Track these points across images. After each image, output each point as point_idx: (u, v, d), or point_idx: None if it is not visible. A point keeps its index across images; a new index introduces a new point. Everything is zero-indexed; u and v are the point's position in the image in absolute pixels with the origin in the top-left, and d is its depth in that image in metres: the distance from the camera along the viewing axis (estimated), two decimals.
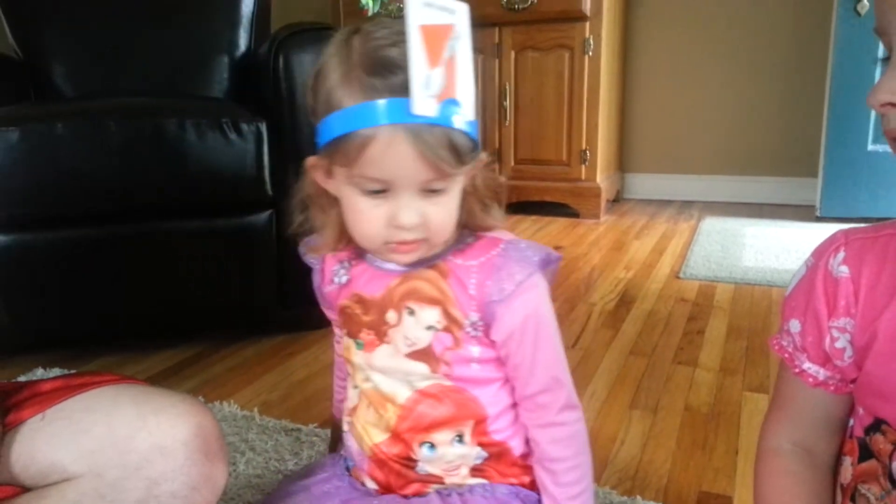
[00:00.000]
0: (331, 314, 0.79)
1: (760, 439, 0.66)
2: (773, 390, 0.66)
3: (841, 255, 0.57)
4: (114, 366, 1.44)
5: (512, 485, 0.70)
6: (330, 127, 0.59)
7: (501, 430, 0.70)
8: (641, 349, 1.49)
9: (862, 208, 2.53)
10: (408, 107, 0.55)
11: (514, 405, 0.70)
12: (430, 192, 0.60)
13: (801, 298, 0.59)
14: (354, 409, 0.73)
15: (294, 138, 1.43)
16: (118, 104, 1.44)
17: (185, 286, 1.45)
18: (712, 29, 2.96)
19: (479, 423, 0.69)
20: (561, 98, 2.72)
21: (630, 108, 3.17)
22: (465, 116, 0.58)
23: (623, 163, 3.23)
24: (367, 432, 0.71)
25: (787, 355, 0.61)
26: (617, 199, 3.16)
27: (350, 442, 0.75)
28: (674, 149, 3.15)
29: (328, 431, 1.12)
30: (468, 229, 0.69)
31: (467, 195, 0.67)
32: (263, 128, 1.39)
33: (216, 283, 1.46)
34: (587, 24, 2.63)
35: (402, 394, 0.69)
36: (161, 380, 1.37)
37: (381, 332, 0.69)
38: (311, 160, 0.66)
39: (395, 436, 0.69)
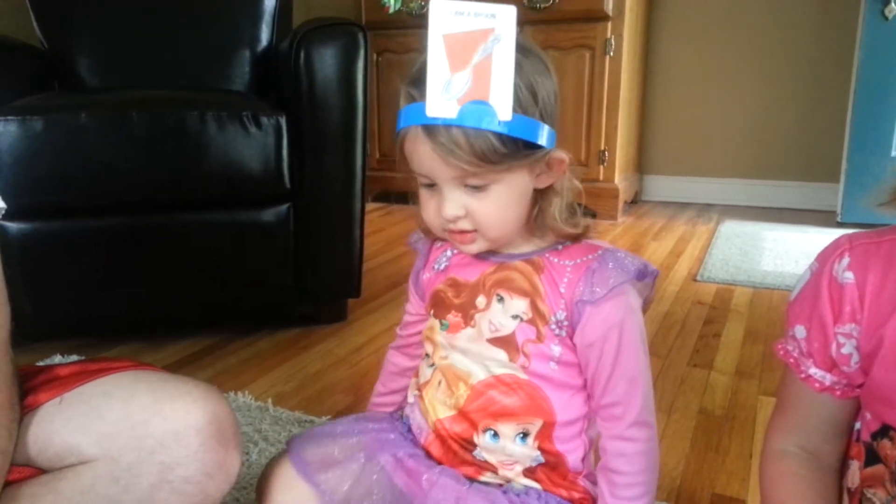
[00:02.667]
0: (417, 302, 0.81)
1: (766, 442, 0.66)
2: (778, 394, 0.66)
3: (846, 260, 0.56)
4: (130, 354, 1.46)
5: (562, 497, 0.70)
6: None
7: (564, 439, 0.70)
8: (657, 351, 1.48)
9: (883, 215, 2.48)
10: (424, 109, 0.60)
11: (583, 418, 0.71)
12: (472, 187, 0.63)
13: (806, 304, 0.59)
14: (426, 384, 0.74)
15: (313, 132, 1.44)
16: (140, 96, 1.46)
17: (202, 278, 1.46)
18: (735, 31, 2.93)
19: (547, 427, 0.69)
20: (581, 98, 2.71)
21: (650, 109, 3.15)
22: (497, 116, 0.59)
23: (642, 164, 3.21)
24: (433, 407, 0.72)
25: (792, 360, 0.61)
26: (635, 201, 3.14)
27: (415, 415, 0.76)
28: (694, 151, 3.13)
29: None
30: (559, 238, 0.70)
31: (550, 197, 0.68)
32: (283, 121, 1.40)
33: (233, 275, 1.47)
34: (609, 24, 2.61)
35: (477, 375, 0.70)
36: (177, 369, 1.38)
37: (468, 316, 0.71)
38: None
39: (462, 414, 0.70)
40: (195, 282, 1.46)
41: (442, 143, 0.60)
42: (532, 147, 0.62)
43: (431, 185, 0.65)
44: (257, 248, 1.47)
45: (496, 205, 0.64)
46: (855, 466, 0.60)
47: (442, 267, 0.76)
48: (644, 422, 0.68)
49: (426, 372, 0.75)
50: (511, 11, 0.58)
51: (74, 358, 1.40)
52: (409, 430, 0.77)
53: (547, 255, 0.69)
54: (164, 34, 1.81)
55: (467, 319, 0.71)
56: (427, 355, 0.76)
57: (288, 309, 1.58)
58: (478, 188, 0.63)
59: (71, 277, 1.40)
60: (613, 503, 0.68)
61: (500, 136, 0.60)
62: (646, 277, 0.68)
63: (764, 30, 2.89)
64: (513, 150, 0.61)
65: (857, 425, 0.61)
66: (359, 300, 1.66)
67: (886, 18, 2.41)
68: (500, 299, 0.69)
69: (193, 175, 1.38)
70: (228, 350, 1.49)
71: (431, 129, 0.60)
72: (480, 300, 0.70)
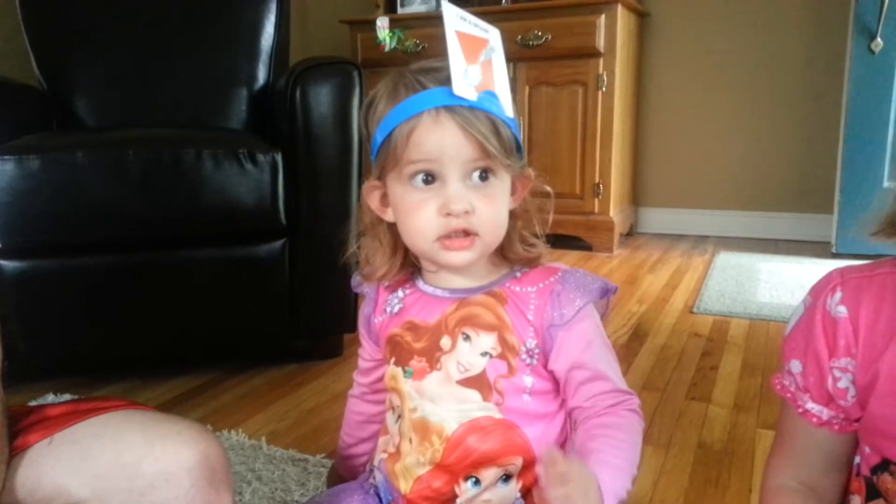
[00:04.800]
0: (372, 347, 0.79)
1: (764, 477, 0.65)
2: (777, 428, 0.65)
3: (838, 294, 0.56)
4: (124, 393, 1.45)
5: None
6: (383, 129, 0.64)
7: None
8: (654, 384, 1.47)
9: (878, 245, 2.49)
10: (448, 92, 0.61)
11: (561, 447, 0.69)
12: (479, 178, 0.64)
13: (801, 339, 0.59)
14: (396, 451, 0.71)
15: (309, 169, 1.45)
16: (137, 134, 1.47)
17: (197, 314, 1.46)
18: (726, 65, 2.97)
19: (528, 464, 0.67)
20: (574, 132, 2.74)
21: (644, 142, 3.18)
22: (505, 110, 0.64)
23: (637, 197, 3.23)
24: (405, 475, 0.69)
25: (789, 395, 0.61)
26: (630, 233, 3.15)
27: (381, 478, 0.74)
28: (688, 183, 3.15)
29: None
30: (513, 263, 0.70)
31: (515, 218, 0.69)
32: (279, 158, 1.41)
33: (228, 311, 1.47)
34: (601, 61, 2.65)
35: (450, 426, 0.67)
36: (170, 407, 1.37)
37: (433, 359, 0.68)
38: (366, 185, 0.70)
39: (440, 468, 0.67)
40: (190, 318, 1.45)
41: (467, 117, 0.61)
42: (519, 153, 0.66)
43: (430, 182, 0.63)
44: (252, 283, 1.47)
45: (495, 204, 0.65)
46: (857, 501, 0.59)
47: (395, 310, 0.72)
48: (637, 410, 0.67)
49: (393, 431, 0.72)
50: (496, 31, 0.64)
51: (67, 397, 1.38)
52: (379, 497, 0.74)
53: (507, 284, 0.68)
54: (161, 73, 1.83)
55: (433, 363, 0.68)
56: (392, 409, 0.73)
57: (283, 345, 1.57)
58: (484, 179, 0.64)
59: (65, 315, 1.39)
60: (611, 453, 0.62)
61: (509, 128, 0.64)
62: (607, 294, 0.69)
63: (754, 64, 2.93)
64: (513, 146, 0.65)
65: (857, 459, 0.60)
66: (354, 335, 1.65)
67: (873, 53, 2.45)
68: (467, 337, 0.67)
69: (189, 212, 1.38)
70: (222, 388, 1.48)
71: (454, 108, 0.61)
72: (445, 341, 0.68)
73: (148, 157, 1.34)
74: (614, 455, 0.62)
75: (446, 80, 0.61)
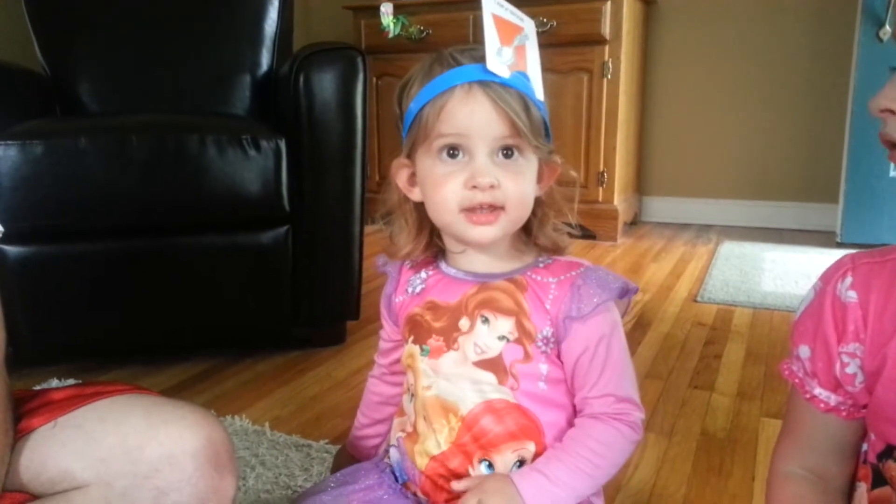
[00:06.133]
0: (391, 327, 0.80)
1: (772, 464, 0.65)
2: (785, 415, 0.65)
3: (848, 279, 0.56)
4: (127, 378, 1.45)
5: None
6: (416, 103, 0.65)
7: None
8: (657, 372, 1.47)
9: (883, 235, 2.49)
10: (482, 68, 0.63)
11: None
12: (504, 157, 0.65)
13: (810, 323, 0.59)
14: (412, 432, 0.72)
15: (313, 155, 1.44)
16: (140, 120, 1.46)
17: (201, 301, 1.46)
18: (733, 52, 2.95)
19: (540, 452, 0.68)
20: (579, 120, 2.73)
21: (648, 130, 3.17)
22: (536, 92, 0.65)
23: (641, 185, 3.22)
24: (423, 452, 0.70)
25: (797, 380, 0.61)
26: (634, 222, 3.15)
27: (401, 458, 0.74)
28: (692, 172, 3.14)
29: (338, 448, 1.12)
30: (541, 249, 0.71)
31: (542, 205, 0.70)
32: (282, 145, 1.41)
33: (231, 298, 1.47)
34: (606, 48, 2.63)
35: (466, 405, 0.68)
36: (174, 393, 1.37)
37: (450, 339, 0.69)
38: (395, 163, 0.71)
39: (456, 447, 0.68)
40: (194, 305, 1.46)
41: (500, 92, 0.63)
42: (547, 137, 0.67)
43: (455, 155, 0.65)
44: (256, 270, 1.47)
45: (522, 181, 0.65)
46: (862, 489, 0.59)
47: (417, 290, 0.74)
48: (635, 424, 0.67)
49: (409, 409, 0.73)
50: (531, 22, 0.67)
51: (71, 382, 1.39)
52: (395, 476, 0.74)
53: (529, 273, 0.69)
54: (165, 60, 1.82)
55: (450, 343, 0.69)
56: (408, 389, 0.74)
57: (286, 332, 1.57)
58: (508, 157, 0.65)
59: (68, 301, 1.39)
60: (564, 459, 0.64)
61: (540, 110, 0.66)
62: (627, 294, 0.69)
63: (761, 51, 2.91)
64: (541, 128, 0.66)
65: (865, 447, 0.60)
66: (358, 322, 1.65)
67: (881, 40, 2.43)
68: (485, 320, 0.68)
69: (193, 198, 1.38)
70: (226, 374, 1.48)
71: (486, 83, 0.63)
72: (464, 322, 0.69)
73: (151, 143, 1.34)
74: (559, 468, 0.64)
75: (481, 59, 0.63)
